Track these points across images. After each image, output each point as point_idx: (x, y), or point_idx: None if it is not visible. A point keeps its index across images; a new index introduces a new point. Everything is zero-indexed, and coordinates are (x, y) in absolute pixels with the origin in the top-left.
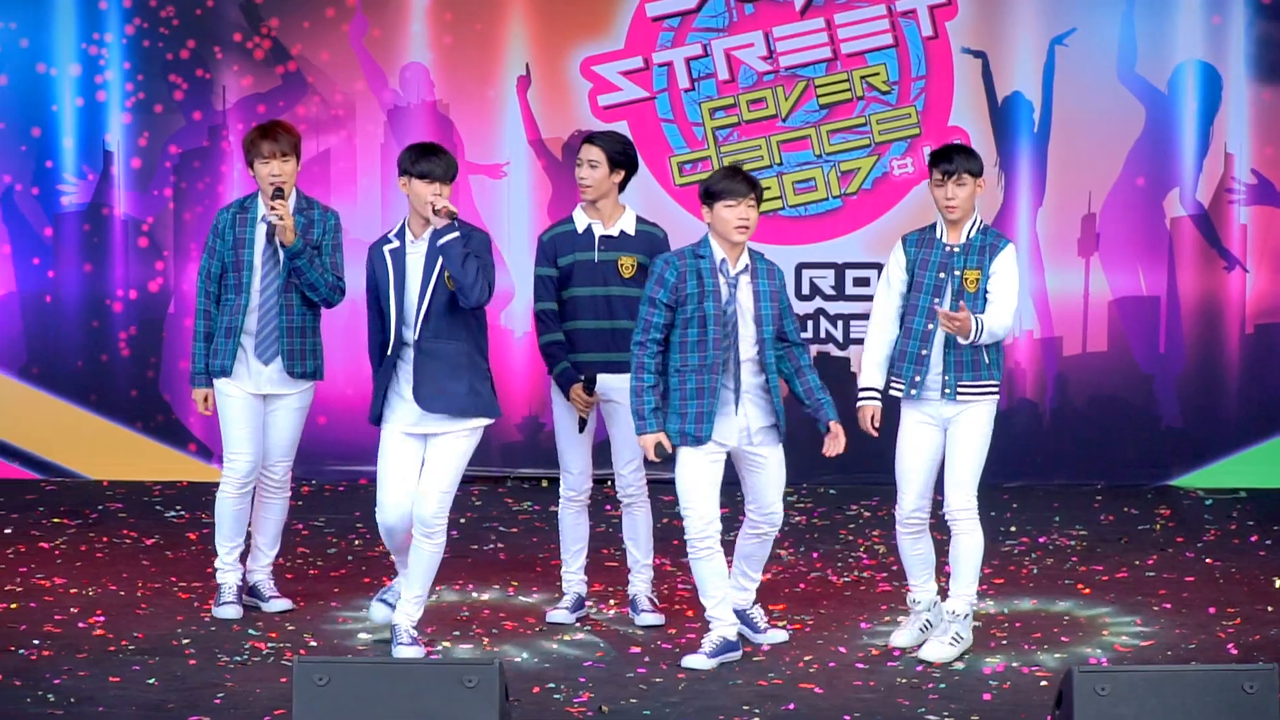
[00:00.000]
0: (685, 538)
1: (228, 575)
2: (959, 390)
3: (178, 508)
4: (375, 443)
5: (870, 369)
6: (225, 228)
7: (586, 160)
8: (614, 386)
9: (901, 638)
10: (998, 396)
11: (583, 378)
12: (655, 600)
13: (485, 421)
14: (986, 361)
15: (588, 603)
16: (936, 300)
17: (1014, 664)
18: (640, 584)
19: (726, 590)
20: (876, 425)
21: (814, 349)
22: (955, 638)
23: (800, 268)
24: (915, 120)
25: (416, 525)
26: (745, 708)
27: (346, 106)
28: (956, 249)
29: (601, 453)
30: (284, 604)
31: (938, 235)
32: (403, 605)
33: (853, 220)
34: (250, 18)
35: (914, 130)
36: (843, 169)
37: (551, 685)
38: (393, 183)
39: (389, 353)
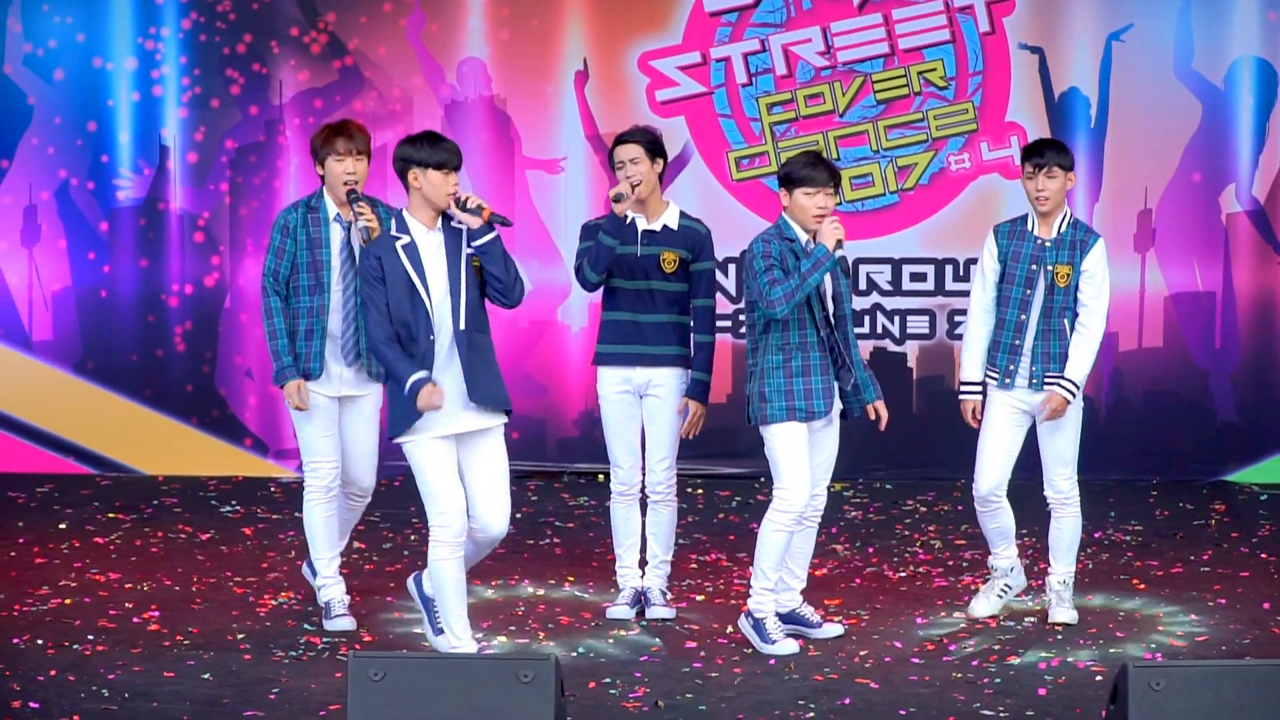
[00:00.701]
0: (775, 509)
1: (333, 590)
2: (1045, 380)
3: (233, 503)
4: None
5: (971, 364)
6: (296, 228)
7: (628, 160)
8: (652, 380)
9: (980, 606)
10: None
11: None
12: (668, 594)
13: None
14: None
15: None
16: (1028, 292)
17: (1069, 659)
18: (656, 579)
19: (780, 573)
20: (978, 418)
21: (870, 344)
22: (1070, 601)
23: (857, 263)
24: (972, 116)
25: (485, 542)
26: (800, 702)
27: (403, 101)
28: (1048, 243)
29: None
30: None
31: (1029, 227)
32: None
33: (909, 216)
34: (307, 12)
35: (971, 126)
36: (900, 164)
37: (607, 680)
38: None
39: (408, 353)
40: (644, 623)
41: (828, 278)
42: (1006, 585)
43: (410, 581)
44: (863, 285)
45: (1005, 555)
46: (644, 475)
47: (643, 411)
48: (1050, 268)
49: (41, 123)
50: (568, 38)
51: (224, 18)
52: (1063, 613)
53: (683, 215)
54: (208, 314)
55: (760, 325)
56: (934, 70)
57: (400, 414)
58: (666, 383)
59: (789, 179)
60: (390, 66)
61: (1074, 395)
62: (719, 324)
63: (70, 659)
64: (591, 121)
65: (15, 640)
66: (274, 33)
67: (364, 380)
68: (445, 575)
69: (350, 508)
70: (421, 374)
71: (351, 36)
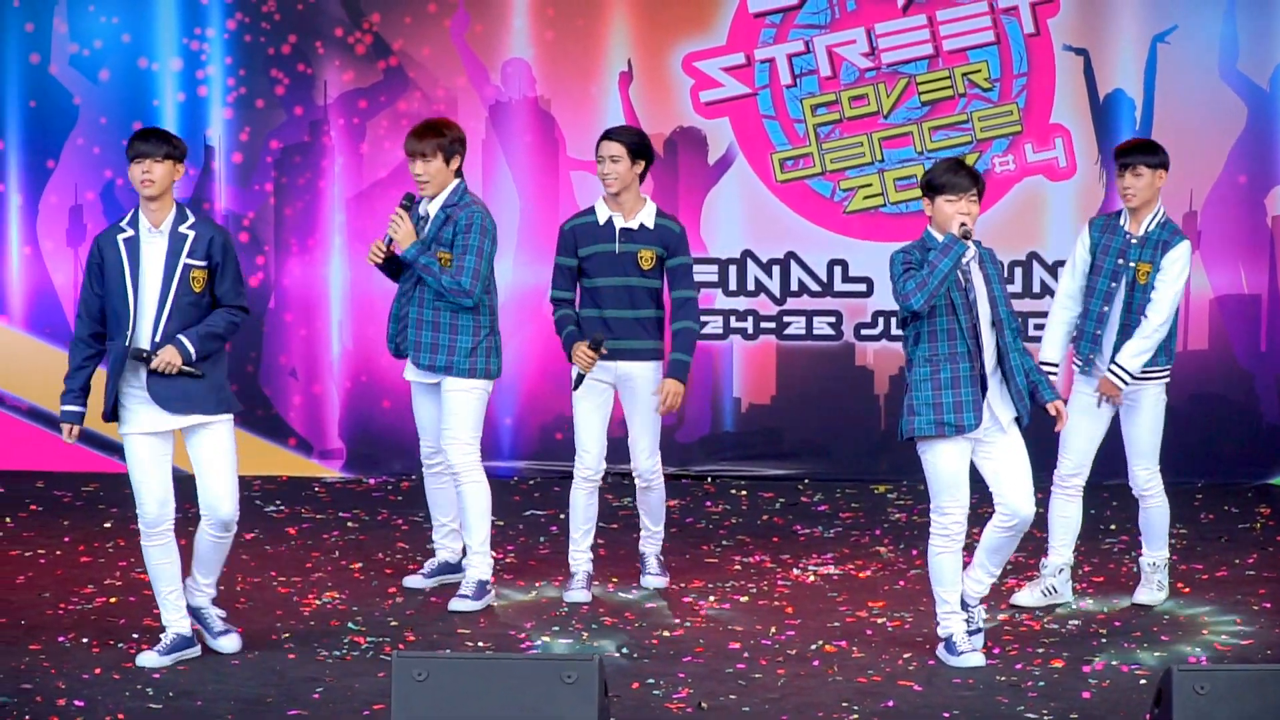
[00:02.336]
0: (932, 531)
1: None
2: (1108, 369)
3: (277, 502)
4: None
5: (1049, 345)
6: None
7: (608, 156)
8: (635, 374)
9: (1024, 596)
10: (1167, 377)
11: (589, 338)
12: (663, 561)
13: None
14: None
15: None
16: (1113, 285)
17: (1113, 662)
18: (650, 546)
19: (959, 591)
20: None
21: None
22: (1159, 584)
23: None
24: (1017, 117)
25: (218, 525)
26: (844, 704)
27: (448, 102)
28: (1135, 240)
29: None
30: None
31: (1121, 223)
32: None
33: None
34: (352, 13)
35: (1015, 127)
36: None
37: (651, 681)
38: (495, 178)
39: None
40: (688, 623)
41: (978, 281)
42: (1053, 587)
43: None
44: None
45: (1060, 552)
46: (605, 466)
47: (624, 405)
48: (1133, 264)
49: (87, 123)
50: (612, 38)
51: (269, 18)
52: (1144, 593)
53: (659, 213)
54: (252, 313)
55: (912, 338)
56: (978, 72)
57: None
58: (644, 376)
59: (930, 186)
60: (435, 67)
61: (1124, 381)
62: (764, 325)
63: (115, 657)
64: (636, 123)
65: (60, 638)
66: (319, 33)
67: (416, 369)
68: (146, 560)
69: (458, 490)
70: (71, 409)
71: (396, 37)
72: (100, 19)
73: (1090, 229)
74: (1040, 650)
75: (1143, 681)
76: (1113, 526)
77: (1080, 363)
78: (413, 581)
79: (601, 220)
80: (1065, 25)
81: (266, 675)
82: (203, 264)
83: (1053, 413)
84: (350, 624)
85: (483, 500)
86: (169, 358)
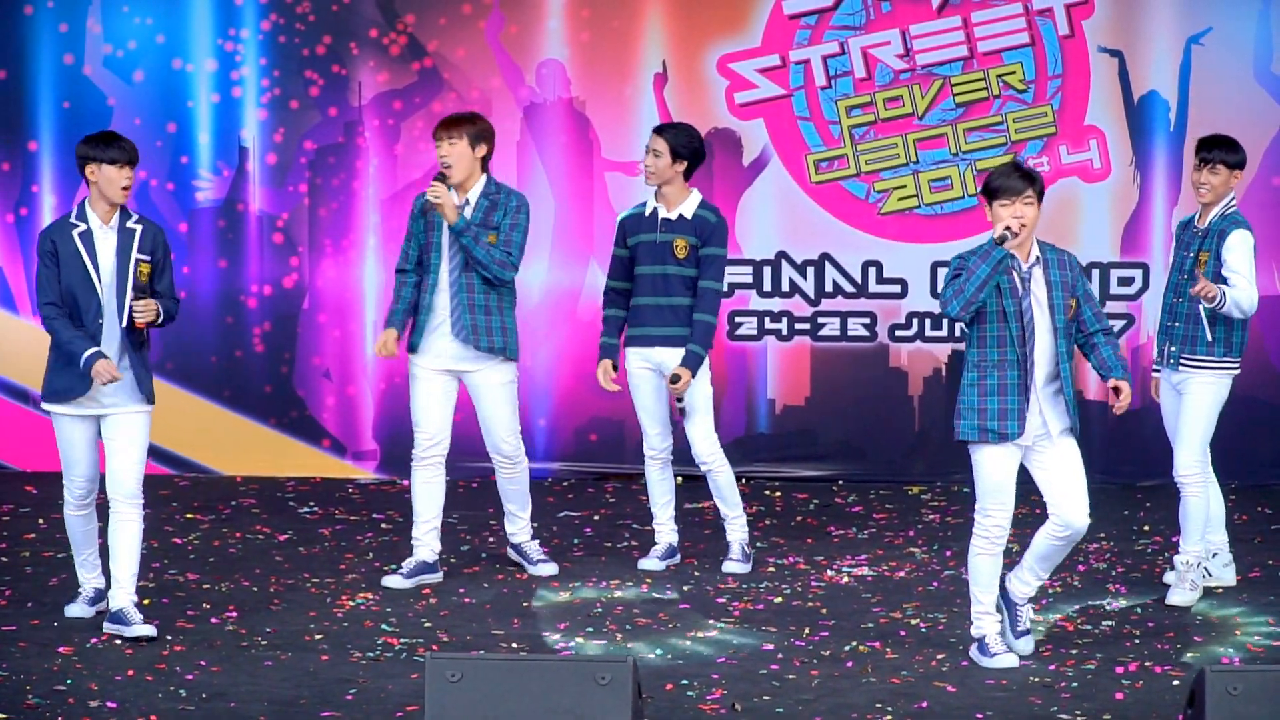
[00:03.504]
0: (974, 532)
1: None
2: (1181, 360)
3: (311, 504)
4: None
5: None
6: (418, 212)
7: (652, 149)
8: (669, 362)
9: (1174, 596)
10: (1223, 371)
11: (612, 360)
12: (749, 551)
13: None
14: (1209, 339)
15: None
16: (1182, 277)
17: (1146, 663)
18: (735, 533)
19: (995, 594)
20: (1156, 396)
21: (949, 347)
22: (1192, 584)
23: (935, 265)
24: (1051, 119)
25: (120, 496)
26: (878, 705)
27: (482, 103)
28: (1200, 231)
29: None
30: (550, 568)
31: (1195, 218)
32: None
33: (988, 219)
34: (387, 14)
35: (1050, 129)
36: (978, 167)
37: (684, 682)
38: (530, 179)
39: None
40: (721, 624)
41: (1038, 288)
42: (1206, 571)
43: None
44: (941, 287)
45: (1187, 548)
46: (672, 440)
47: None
48: (1193, 254)
49: (121, 124)
50: (647, 40)
51: (303, 19)
52: (1175, 595)
53: (701, 204)
54: (286, 315)
55: (967, 341)
56: (1013, 73)
57: (60, 385)
58: (679, 362)
59: (987, 190)
60: (469, 68)
61: (1222, 302)
62: (798, 326)
63: (148, 659)
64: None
65: (94, 640)
66: (353, 34)
67: (477, 355)
68: (71, 526)
69: (501, 477)
70: (95, 348)
71: (431, 38)
72: (134, 20)
73: (1175, 228)
74: (1074, 651)
75: (1175, 683)
76: (1146, 527)
77: (1157, 355)
78: (392, 582)
79: (648, 211)
80: (1100, 27)
81: (300, 676)
82: (148, 259)
83: (1111, 388)
84: (384, 625)
85: (527, 480)
86: (154, 306)
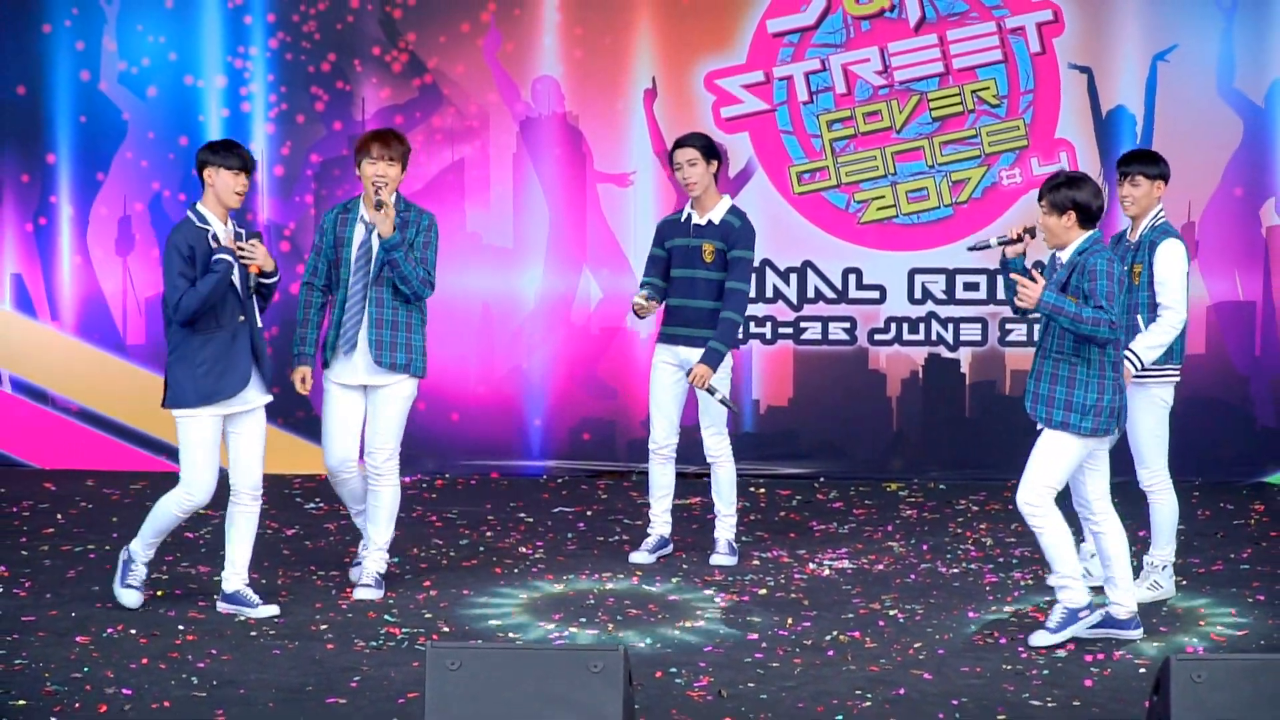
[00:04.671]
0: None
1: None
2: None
3: (317, 500)
4: (507, 437)
5: None
6: (330, 227)
7: (685, 161)
8: (694, 360)
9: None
10: (1164, 379)
11: (645, 295)
12: (735, 546)
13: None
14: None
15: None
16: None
17: (1115, 652)
18: (723, 529)
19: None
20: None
21: (925, 350)
22: (1153, 584)
23: (912, 273)
24: (1023, 132)
25: (249, 492)
26: (858, 692)
27: (480, 117)
28: (1132, 244)
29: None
30: (370, 592)
31: (1126, 233)
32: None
33: (963, 228)
34: (389, 32)
35: (1022, 142)
36: (954, 179)
37: (673, 670)
38: (526, 190)
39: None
40: (708, 614)
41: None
42: (1156, 582)
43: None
44: (918, 294)
45: (1156, 553)
46: (677, 438)
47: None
48: (1128, 267)
49: (136, 137)
50: (637, 57)
51: (309, 38)
52: (1140, 593)
53: (729, 210)
54: (293, 320)
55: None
56: (987, 89)
57: (206, 389)
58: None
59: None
60: (468, 84)
61: (1135, 366)
62: (781, 330)
63: (162, 648)
64: (660, 137)
65: (110, 630)
66: (357, 52)
67: (378, 370)
68: (167, 515)
69: (371, 490)
70: (226, 259)
71: (431, 55)
72: (148, 38)
73: (1109, 242)
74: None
75: (1142, 670)
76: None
77: None
78: (365, 594)
79: (683, 216)
80: (1070, 44)
81: (306, 665)
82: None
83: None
84: (386, 616)
85: (397, 502)
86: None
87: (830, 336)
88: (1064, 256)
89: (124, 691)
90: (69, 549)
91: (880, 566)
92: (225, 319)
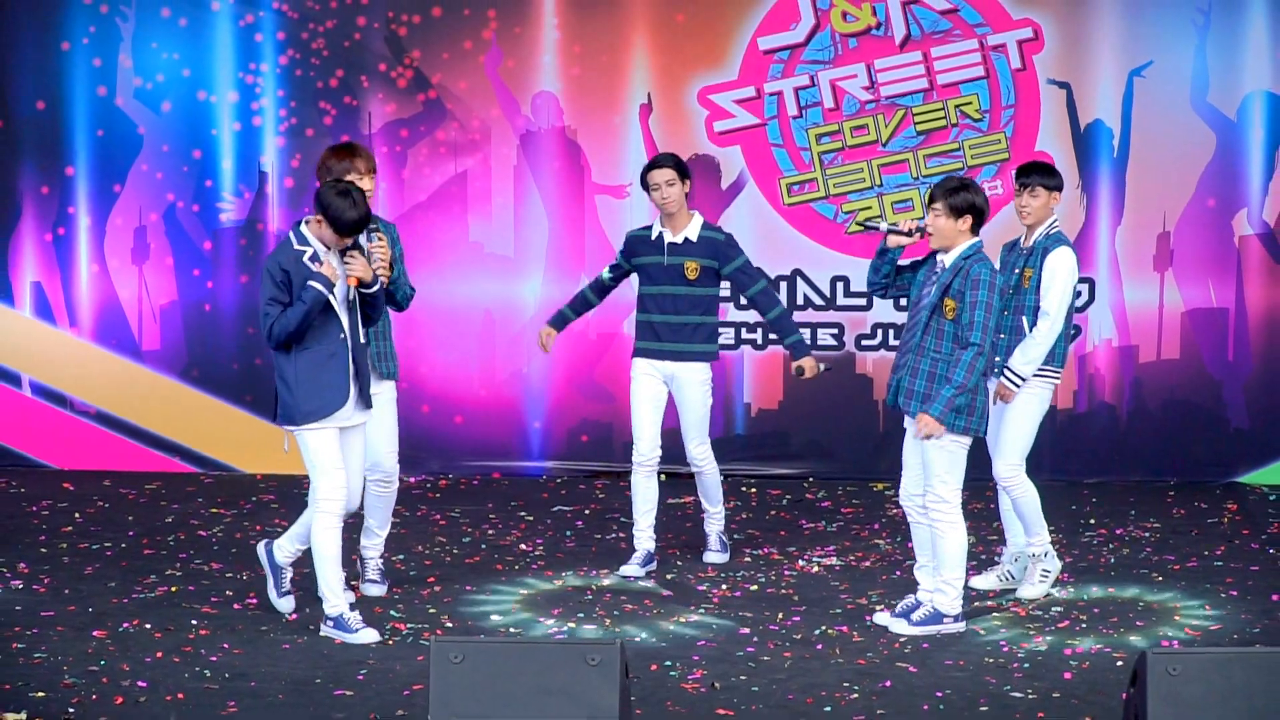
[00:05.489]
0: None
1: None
2: (1004, 370)
3: None
4: (508, 439)
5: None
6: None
7: (663, 182)
8: (680, 374)
9: (1025, 590)
10: (1044, 380)
11: (556, 328)
12: (726, 541)
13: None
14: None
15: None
16: (1008, 294)
17: (1093, 646)
18: (712, 525)
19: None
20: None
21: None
22: (1042, 574)
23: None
24: (1005, 146)
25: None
26: (845, 684)
27: (482, 131)
28: (1025, 251)
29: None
30: (379, 589)
31: (1020, 240)
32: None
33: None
34: (394, 49)
35: (1003, 155)
36: None
37: (668, 663)
38: (526, 202)
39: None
40: (701, 610)
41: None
42: (1045, 570)
43: (261, 548)
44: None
45: (1034, 542)
46: (660, 452)
47: (676, 401)
48: (1019, 271)
49: (151, 150)
50: (633, 73)
51: (318, 54)
52: (1025, 589)
53: (704, 226)
54: None
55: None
56: (969, 104)
57: (312, 406)
58: (689, 375)
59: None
60: (470, 99)
61: (1014, 385)
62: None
63: (176, 642)
64: (655, 150)
65: (125, 625)
66: (364, 68)
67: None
68: (330, 541)
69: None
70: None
71: (435, 72)
72: (162, 55)
73: (1002, 252)
74: (1026, 634)
75: (1119, 663)
76: (1092, 521)
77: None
78: (373, 590)
79: (653, 235)
80: (1049, 61)
81: (315, 658)
82: None
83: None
84: (392, 611)
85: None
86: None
87: (819, 342)
88: (948, 260)
89: (139, 684)
90: (86, 547)
91: (867, 563)
92: (322, 337)
